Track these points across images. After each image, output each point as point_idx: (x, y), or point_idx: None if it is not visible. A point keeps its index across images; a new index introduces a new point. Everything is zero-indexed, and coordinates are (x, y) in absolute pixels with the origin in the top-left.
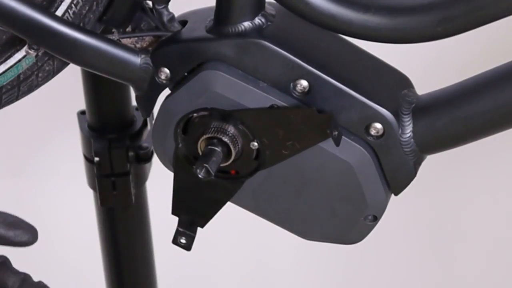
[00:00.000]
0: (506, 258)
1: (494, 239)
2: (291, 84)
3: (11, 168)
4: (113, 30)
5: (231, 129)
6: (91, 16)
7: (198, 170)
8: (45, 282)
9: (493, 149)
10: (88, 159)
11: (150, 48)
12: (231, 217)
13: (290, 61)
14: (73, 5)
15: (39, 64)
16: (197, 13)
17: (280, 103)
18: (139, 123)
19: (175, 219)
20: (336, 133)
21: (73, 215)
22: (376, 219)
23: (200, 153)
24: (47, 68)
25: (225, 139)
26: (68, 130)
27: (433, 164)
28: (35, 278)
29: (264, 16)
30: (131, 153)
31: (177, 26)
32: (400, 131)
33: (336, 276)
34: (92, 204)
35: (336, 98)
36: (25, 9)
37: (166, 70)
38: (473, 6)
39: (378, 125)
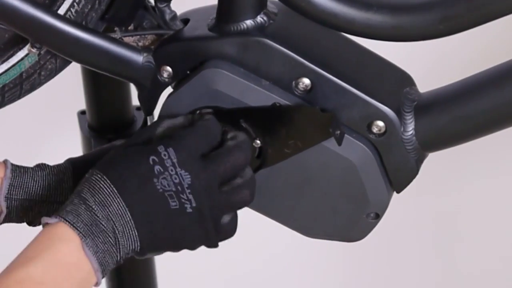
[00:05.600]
0: (506, 257)
1: (495, 238)
2: (293, 82)
3: None
4: (115, 28)
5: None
6: (93, 14)
7: None
8: None
9: (495, 147)
10: None
11: (152, 47)
12: None
13: (292, 59)
14: (75, 4)
15: (42, 62)
16: (199, 12)
17: (282, 101)
18: (139, 123)
19: None
20: (339, 132)
21: None
22: (378, 216)
23: None
24: (49, 66)
25: None
26: (68, 130)
27: (435, 162)
28: None
29: (266, 14)
30: None
31: (179, 25)
32: (402, 129)
33: (338, 273)
34: None
35: (338, 96)
36: (27, 7)
37: (168, 68)
38: (475, 4)
39: (380, 123)
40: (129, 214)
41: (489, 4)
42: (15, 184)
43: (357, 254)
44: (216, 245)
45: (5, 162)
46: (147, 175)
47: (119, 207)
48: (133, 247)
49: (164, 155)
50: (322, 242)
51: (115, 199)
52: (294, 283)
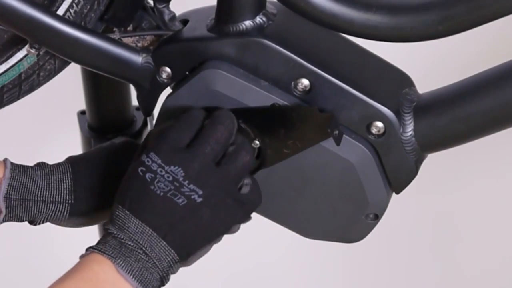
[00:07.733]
0: (505, 258)
1: (494, 238)
2: (292, 83)
3: None
4: (114, 29)
5: None
6: (92, 15)
7: None
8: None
9: (495, 147)
10: None
11: (151, 47)
12: None
13: (291, 60)
14: (74, 4)
15: (41, 63)
16: (198, 12)
17: (281, 102)
18: (139, 123)
19: None
20: (337, 132)
21: None
22: (377, 217)
23: None
24: (48, 67)
25: None
26: (68, 130)
27: (434, 162)
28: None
29: (265, 15)
30: None
31: (178, 25)
32: (401, 129)
33: (337, 274)
34: None
35: (337, 96)
36: (26, 8)
37: (167, 69)
38: (474, 5)
39: (379, 124)
40: (148, 228)
41: (488, 5)
42: (14, 185)
43: (356, 254)
44: (248, 218)
45: (4, 161)
46: (143, 186)
47: (137, 225)
48: (170, 257)
49: (148, 161)
50: (321, 243)
51: (130, 219)
52: (293, 284)
